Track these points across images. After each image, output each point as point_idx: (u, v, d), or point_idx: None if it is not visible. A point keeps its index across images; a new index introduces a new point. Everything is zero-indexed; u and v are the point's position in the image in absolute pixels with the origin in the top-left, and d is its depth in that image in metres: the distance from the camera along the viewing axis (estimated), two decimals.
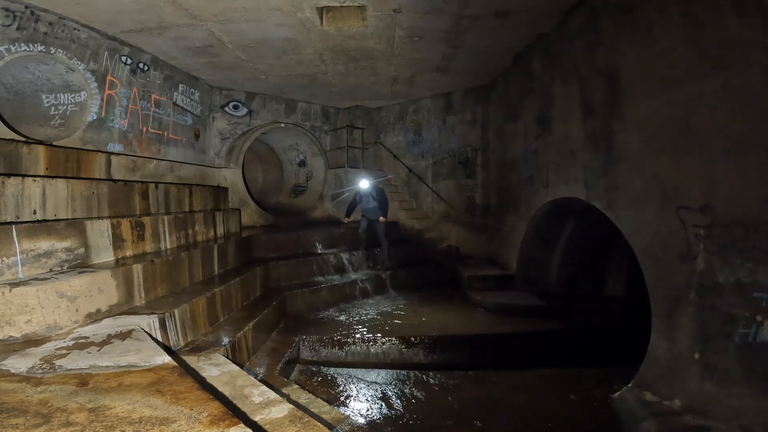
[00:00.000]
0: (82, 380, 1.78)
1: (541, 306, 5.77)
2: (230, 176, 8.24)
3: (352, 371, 4.37)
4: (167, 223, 4.17)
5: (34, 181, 3.16)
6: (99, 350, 2.17)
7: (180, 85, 7.27)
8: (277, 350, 4.20)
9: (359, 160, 9.98)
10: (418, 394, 3.89)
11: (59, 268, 2.87)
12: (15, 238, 2.60)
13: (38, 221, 3.00)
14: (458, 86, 8.46)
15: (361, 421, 3.05)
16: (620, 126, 4.14)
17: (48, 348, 2.19)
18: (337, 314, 5.70)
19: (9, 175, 3.00)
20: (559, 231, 6.29)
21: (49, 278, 2.59)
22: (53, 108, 5.64)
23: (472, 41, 5.98)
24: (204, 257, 4.36)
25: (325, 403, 3.13)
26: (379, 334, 4.77)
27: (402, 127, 9.78)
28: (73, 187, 3.47)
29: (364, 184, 7.28)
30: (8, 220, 2.88)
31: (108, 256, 3.35)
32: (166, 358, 2.03)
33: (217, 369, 2.65)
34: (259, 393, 2.30)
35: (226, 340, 3.43)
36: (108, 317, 2.77)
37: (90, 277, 2.75)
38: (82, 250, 3.08)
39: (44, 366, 1.93)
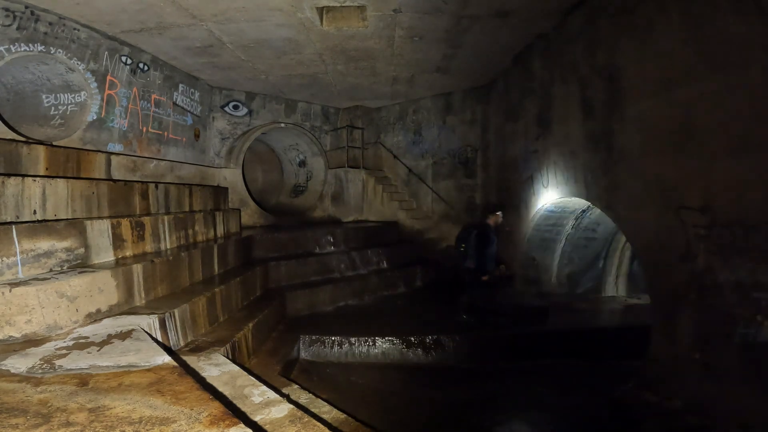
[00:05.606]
0: (82, 380, 1.78)
1: (542, 306, 5.77)
2: (230, 176, 8.24)
3: (352, 371, 4.36)
4: (167, 223, 4.17)
5: (34, 181, 3.15)
6: (99, 350, 2.16)
7: (180, 85, 7.26)
8: (277, 350, 4.20)
9: (359, 160, 9.98)
10: (418, 394, 3.88)
11: (59, 268, 2.86)
12: (15, 238, 2.59)
13: (38, 221, 2.99)
14: (458, 86, 8.45)
15: (360, 420, 3.05)
16: (620, 126, 4.14)
17: (48, 348, 2.19)
18: (337, 314, 5.69)
19: (9, 175, 3.00)
20: (559, 231, 6.29)
21: (49, 278, 2.59)
22: (53, 108, 5.64)
23: (472, 41, 5.98)
24: (204, 257, 4.35)
25: (325, 403, 3.13)
26: (379, 335, 4.76)
27: (402, 127, 9.78)
28: (73, 187, 3.46)
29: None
30: (8, 220, 2.88)
31: (108, 256, 3.34)
32: (166, 358, 2.03)
33: (217, 369, 2.65)
34: (259, 393, 2.30)
35: (226, 340, 3.43)
36: (108, 317, 2.77)
37: (90, 277, 2.75)
38: (82, 250, 3.07)
39: (44, 366, 1.93)
